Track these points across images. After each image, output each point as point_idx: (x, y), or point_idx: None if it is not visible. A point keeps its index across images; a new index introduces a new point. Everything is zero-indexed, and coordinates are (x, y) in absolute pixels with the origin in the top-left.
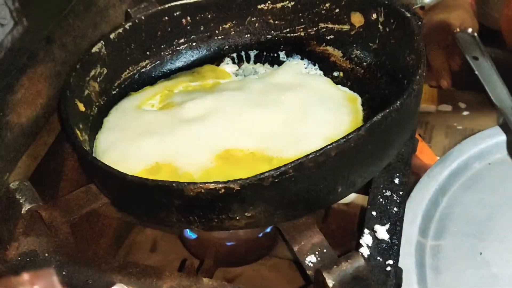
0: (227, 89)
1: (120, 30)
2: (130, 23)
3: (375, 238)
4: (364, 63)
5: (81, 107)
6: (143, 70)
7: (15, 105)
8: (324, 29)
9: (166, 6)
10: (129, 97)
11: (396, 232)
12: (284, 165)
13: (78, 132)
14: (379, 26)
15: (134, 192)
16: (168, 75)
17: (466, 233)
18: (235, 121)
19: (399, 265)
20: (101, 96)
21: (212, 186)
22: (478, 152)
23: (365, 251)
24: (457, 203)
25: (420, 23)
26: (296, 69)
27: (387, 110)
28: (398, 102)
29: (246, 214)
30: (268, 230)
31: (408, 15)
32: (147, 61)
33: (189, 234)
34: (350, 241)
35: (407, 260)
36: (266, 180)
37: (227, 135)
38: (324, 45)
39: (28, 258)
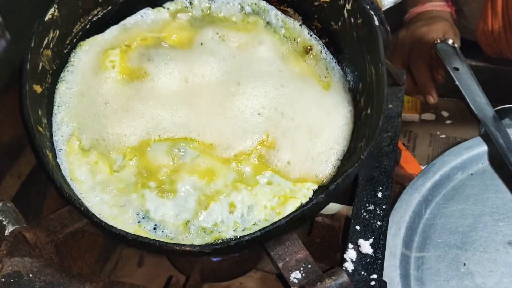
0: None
1: None
2: None
3: (359, 252)
4: (322, 40)
5: (38, 89)
6: (95, 18)
7: None
8: None
9: None
10: (82, 51)
11: (380, 246)
12: (253, 232)
13: (40, 128)
14: (344, 12)
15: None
16: (119, 21)
17: (449, 244)
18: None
19: (384, 278)
20: (54, 61)
21: (187, 248)
22: (460, 163)
23: (349, 266)
24: (440, 214)
25: (386, 37)
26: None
27: (347, 172)
28: (332, 186)
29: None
30: None
31: (377, 22)
32: (98, 9)
33: None
34: (335, 254)
35: (392, 272)
36: (237, 245)
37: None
38: (285, 5)
39: (12, 279)
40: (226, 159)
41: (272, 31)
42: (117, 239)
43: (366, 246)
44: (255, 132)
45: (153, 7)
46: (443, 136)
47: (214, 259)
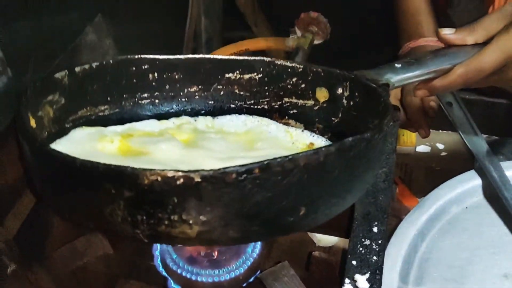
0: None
1: (86, 67)
2: (98, 63)
3: (355, 287)
4: (325, 136)
5: (32, 123)
6: (101, 114)
7: (1, 165)
8: (288, 104)
9: (136, 56)
10: (83, 131)
11: (376, 280)
12: (251, 163)
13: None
14: (343, 100)
15: (79, 182)
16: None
17: (446, 277)
18: None
19: None
20: (53, 124)
21: (170, 174)
22: (455, 197)
23: None
24: (436, 247)
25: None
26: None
27: (358, 137)
28: (368, 133)
29: (201, 217)
30: (251, 280)
31: (374, 85)
32: (106, 106)
33: (173, 286)
34: None
35: None
36: (229, 176)
37: None
38: (286, 118)
39: None
40: None
41: (273, 136)
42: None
43: (362, 281)
44: None
45: (159, 119)
46: (439, 168)
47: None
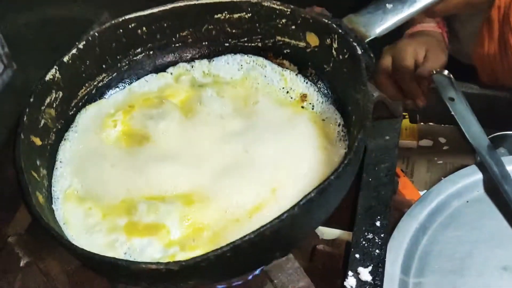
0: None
1: (74, 51)
2: (84, 42)
3: (358, 280)
4: (318, 84)
5: (37, 142)
6: (100, 84)
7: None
8: (281, 42)
9: (120, 19)
10: (87, 113)
11: (378, 273)
12: (221, 247)
13: (35, 174)
14: (333, 51)
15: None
16: (123, 86)
17: (446, 269)
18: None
19: None
20: (58, 121)
21: (153, 267)
22: (456, 191)
23: None
24: (437, 241)
25: (370, 62)
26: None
27: (322, 185)
28: (333, 176)
29: (189, 282)
30: (257, 272)
31: (359, 51)
32: (103, 75)
33: None
34: (336, 280)
35: None
36: (204, 261)
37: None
38: (281, 58)
39: None
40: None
41: (269, 83)
42: (85, 261)
43: (365, 274)
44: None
45: (157, 72)
46: (441, 162)
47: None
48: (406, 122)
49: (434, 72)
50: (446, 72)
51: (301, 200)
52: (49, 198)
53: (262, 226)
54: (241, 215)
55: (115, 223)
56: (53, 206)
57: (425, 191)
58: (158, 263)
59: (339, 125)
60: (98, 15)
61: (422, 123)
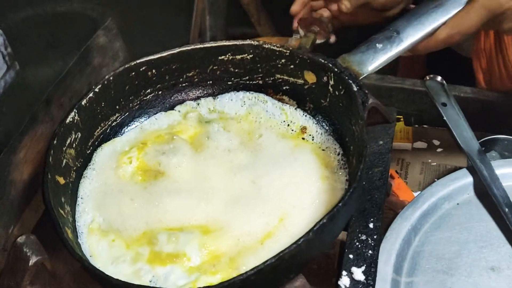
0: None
1: (91, 95)
2: (100, 86)
3: (352, 279)
4: (317, 117)
5: (61, 181)
6: (114, 124)
7: (17, 165)
8: (280, 80)
9: (133, 63)
10: (103, 152)
11: (371, 273)
12: (246, 272)
13: (61, 211)
14: (329, 88)
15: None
16: (135, 124)
17: (436, 269)
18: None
19: None
20: (77, 159)
21: None
22: (447, 194)
23: None
24: (428, 241)
25: (365, 98)
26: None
27: (332, 212)
28: (341, 203)
29: None
30: None
31: (355, 88)
32: (117, 115)
33: None
34: (331, 279)
35: None
36: (231, 285)
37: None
38: (280, 94)
39: None
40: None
41: (271, 118)
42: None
43: (358, 274)
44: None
45: (165, 111)
46: (434, 163)
47: None
48: (401, 124)
49: (427, 78)
50: (439, 78)
51: (314, 226)
52: (74, 233)
53: (282, 251)
54: (253, 242)
55: (139, 253)
56: (79, 240)
57: (419, 192)
58: None
59: (338, 154)
60: (97, 11)
61: (416, 126)
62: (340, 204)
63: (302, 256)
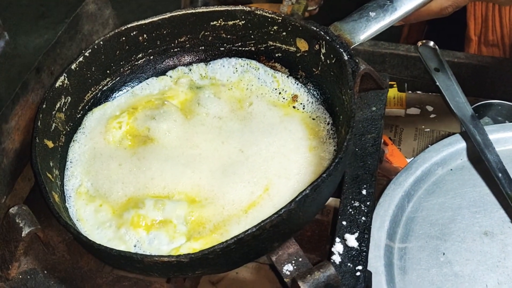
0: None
1: (81, 59)
2: (90, 50)
3: (345, 246)
4: (308, 85)
5: (50, 144)
6: (105, 88)
7: (9, 133)
8: (273, 47)
9: (123, 28)
10: (94, 116)
11: (364, 239)
12: (226, 241)
13: (49, 175)
14: (321, 56)
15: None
16: (126, 89)
17: (430, 235)
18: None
19: (369, 268)
20: (67, 123)
21: (166, 259)
22: (441, 159)
23: (336, 258)
24: (421, 207)
25: (356, 67)
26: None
27: (315, 182)
28: (325, 173)
29: (196, 272)
30: None
31: (346, 57)
32: (108, 79)
33: None
34: (325, 246)
35: (376, 262)
36: (211, 253)
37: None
38: (272, 61)
39: (28, 276)
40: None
41: (262, 85)
42: (102, 256)
43: (352, 240)
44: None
45: (157, 76)
46: (428, 129)
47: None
48: (394, 91)
49: (420, 43)
50: (431, 43)
51: (297, 196)
52: (62, 197)
53: (263, 221)
54: (237, 210)
55: (124, 218)
56: (66, 204)
57: (412, 158)
58: (169, 256)
59: (328, 123)
60: None
61: (409, 92)
62: (325, 174)
63: (285, 226)
